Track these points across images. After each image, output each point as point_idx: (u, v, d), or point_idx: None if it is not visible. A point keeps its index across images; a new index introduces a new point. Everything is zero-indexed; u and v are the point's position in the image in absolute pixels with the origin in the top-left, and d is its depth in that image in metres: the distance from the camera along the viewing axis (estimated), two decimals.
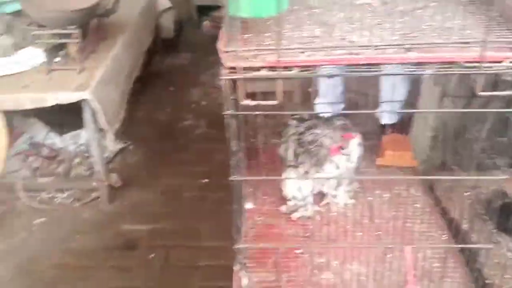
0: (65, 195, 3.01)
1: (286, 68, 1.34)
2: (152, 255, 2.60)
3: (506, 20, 1.50)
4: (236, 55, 1.34)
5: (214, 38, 1.47)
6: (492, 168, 2.24)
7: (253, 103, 1.36)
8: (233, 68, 1.33)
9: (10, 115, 2.75)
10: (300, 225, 2.09)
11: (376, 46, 1.38)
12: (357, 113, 2.69)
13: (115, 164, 3.28)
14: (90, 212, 2.91)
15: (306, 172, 2.10)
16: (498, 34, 1.41)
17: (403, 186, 2.24)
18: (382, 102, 2.75)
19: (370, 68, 1.36)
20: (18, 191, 2.93)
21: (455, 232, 1.97)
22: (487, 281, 1.78)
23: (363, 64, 1.36)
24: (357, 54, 1.36)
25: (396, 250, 1.84)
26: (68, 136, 3.32)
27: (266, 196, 2.23)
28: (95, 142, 2.84)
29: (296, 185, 2.12)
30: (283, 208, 2.16)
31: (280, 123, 2.33)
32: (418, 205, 2.14)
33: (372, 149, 2.41)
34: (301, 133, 2.18)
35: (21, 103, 2.59)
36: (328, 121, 2.18)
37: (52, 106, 2.59)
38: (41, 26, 2.71)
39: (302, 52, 1.37)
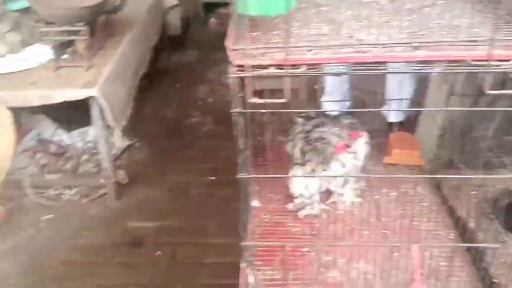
0: (72, 191, 3.02)
1: (294, 66, 1.34)
2: (159, 252, 2.61)
3: None
4: (245, 53, 1.34)
5: (221, 35, 1.48)
6: (499, 167, 2.23)
7: (262, 101, 1.36)
8: (241, 66, 1.33)
9: (17, 111, 2.77)
10: (306, 223, 2.09)
11: (384, 44, 1.38)
12: (364, 111, 2.69)
13: (122, 161, 3.30)
14: (98, 208, 2.93)
15: (313, 170, 2.10)
16: (506, 32, 1.40)
17: (410, 184, 2.23)
18: (389, 100, 2.75)
19: (378, 66, 1.36)
20: (26, 188, 2.95)
21: (462, 230, 1.96)
22: (493, 280, 1.77)
23: (370, 62, 1.35)
24: (364, 52, 1.36)
25: (403, 248, 1.84)
26: (75, 133, 3.34)
27: (272, 194, 2.23)
28: (103, 139, 2.84)
29: (303, 183, 2.11)
30: (290, 206, 2.16)
31: (287, 120, 2.33)
32: (425, 204, 2.14)
33: (379, 147, 2.40)
34: (308, 131, 2.18)
35: (29, 100, 2.60)
36: (335, 119, 2.18)
37: (60, 103, 2.60)
38: (49, 23, 2.72)
39: (310, 50, 1.37)
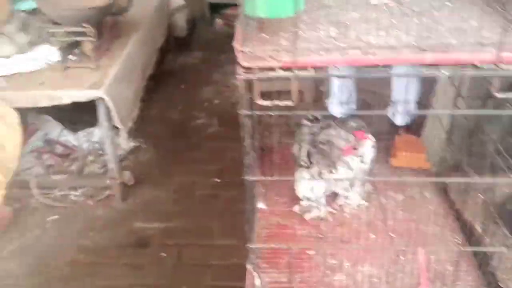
0: (78, 192, 3.02)
1: (301, 68, 1.34)
2: (164, 253, 2.61)
3: None
4: (252, 55, 1.34)
5: (227, 36, 1.48)
6: (506, 171, 2.22)
7: (269, 103, 1.36)
8: (249, 67, 1.33)
9: (24, 112, 2.77)
10: (312, 226, 2.09)
11: (392, 46, 1.37)
12: (369, 113, 2.68)
13: (128, 162, 3.30)
14: (103, 209, 2.93)
15: (319, 173, 2.10)
16: None
17: (416, 188, 2.22)
18: (395, 103, 2.74)
19: (385, 68, 1.36)
20: (32, 189, 2.95)
21: (469, 234, 1.95)
22: (500, 285, 1.76)
23: (377, 64, 1.35)
24: (372, 54, 1.36)
25: (409, 252, 1.83)
26: (82, 133, 3.34)
27: (278, 196, 2.23)
28: (109, 140, 2.84)
29: (309, 186, 2.11)
30: (296, 209, 2.16)
31: (293, 122, 2.33)
32: (431, 207, 2.13)
33: (385, 150, 2.40)
34: (315, 133, 2.17)
35: (37, 100, 2.61)
36: (342, 121, 2.17)
37: (67, 104, 2.61)
38: (56, 24, 2.73)
39: (318, 53, 1.37)
